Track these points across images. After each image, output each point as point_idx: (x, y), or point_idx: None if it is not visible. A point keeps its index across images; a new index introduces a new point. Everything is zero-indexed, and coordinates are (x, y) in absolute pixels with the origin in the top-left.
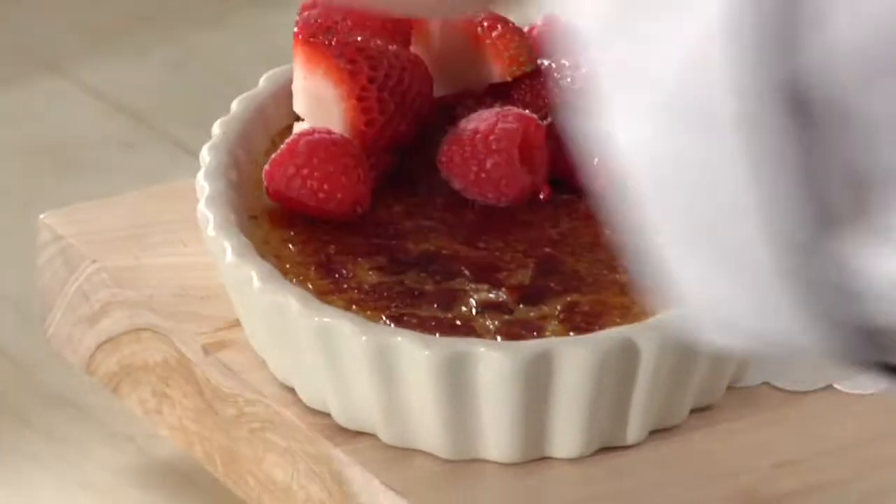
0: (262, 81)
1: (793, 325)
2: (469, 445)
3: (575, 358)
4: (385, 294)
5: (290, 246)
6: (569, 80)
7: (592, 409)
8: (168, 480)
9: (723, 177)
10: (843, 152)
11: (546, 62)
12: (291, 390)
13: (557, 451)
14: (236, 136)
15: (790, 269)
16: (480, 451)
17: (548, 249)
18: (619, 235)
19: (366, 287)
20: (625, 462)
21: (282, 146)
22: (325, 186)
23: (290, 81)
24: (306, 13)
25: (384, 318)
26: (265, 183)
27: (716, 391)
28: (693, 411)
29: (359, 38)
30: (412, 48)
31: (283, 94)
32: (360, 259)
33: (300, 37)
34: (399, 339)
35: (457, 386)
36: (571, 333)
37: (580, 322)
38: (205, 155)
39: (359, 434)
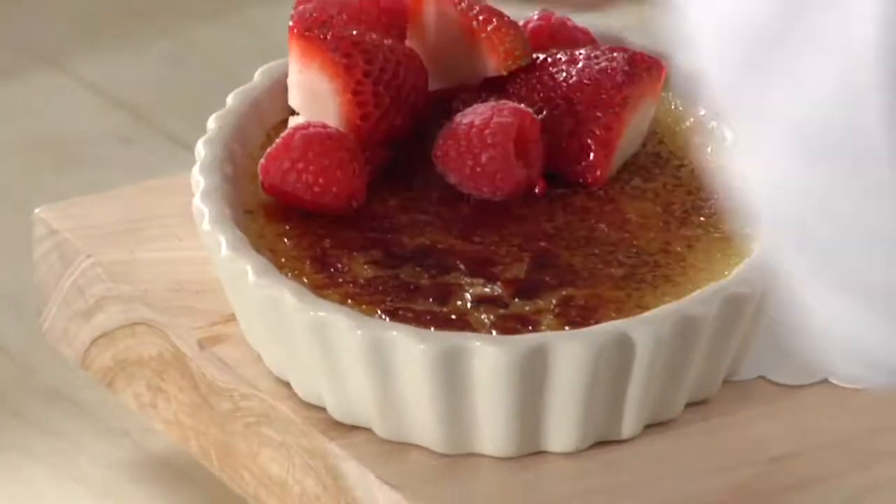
0: (257, 75)
1: None
2: (464, 439)
3: (570, 352)
4: (380, 288)
5: (286, 240)
6: (564, 74)
7: (587, 403)
8: (163, 475)
9: (877, 217)
10: None
11: (541, 56)
12: (287, 384)
13: (553, 446)
14: (231, 130)
15: None
16: (476, 446)
17: (543, 243)
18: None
19: (361, 281)
20: (620, 456)
21: (277, 140)
22: (321, 180)
23: (286, 75)
24: (301, 7)
25: (379, 312)
26: (260, 177)
27: (711, 385)
28: (688, 405)
29: (354, 33)
30: (407, 42)
31: (279, 88)
32: (355, 253)
33: (295, 31)
34: (394, 333)
35: (452, 380)
36: (566, 327)
37: (575, 316)
38: (200, 149)
39: (354, 428)
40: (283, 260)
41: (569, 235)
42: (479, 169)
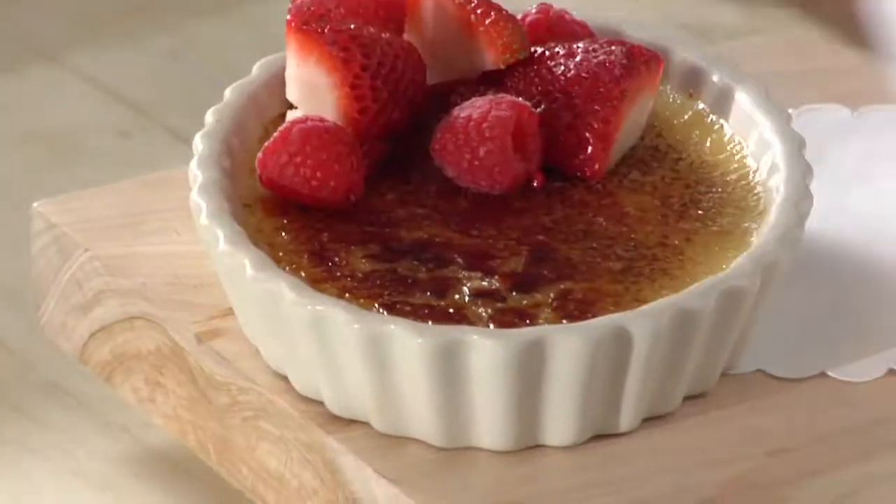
0: (255, 69)
1: None
2: (462, 433)
3: (568, 346)
4: (378, 282)
5: (283, 234)
6: (563, 68)
7: (585, 396)
8: (162, 469)
9: None
10: None
11: (539, 49)
12: (284, 378)
13: (550, 439)
14: (229, 123)
15: None
16: (473, 439)
17: (541, 237)
18: None
19: (359, 275)
20: (618, 450)
21: (275, 134)
22: (318, 174)
23: (284, 69)
24: (299, 1)
25: (377, 306)
26: (258, 171)
27: (709, 378)
28: (686, 399)
29: (352, 26)
30: (405, 36)
31: (276, 81)
32: (353, 247)
33: (293, 24)
34: (392, 327)
35: (450, 374)
36: (564, 321)
37: (573, 310)
38: (198, 143)
39: (352, 422)
40: (280, 254)
41: (567, 229)
42: (476, 162)
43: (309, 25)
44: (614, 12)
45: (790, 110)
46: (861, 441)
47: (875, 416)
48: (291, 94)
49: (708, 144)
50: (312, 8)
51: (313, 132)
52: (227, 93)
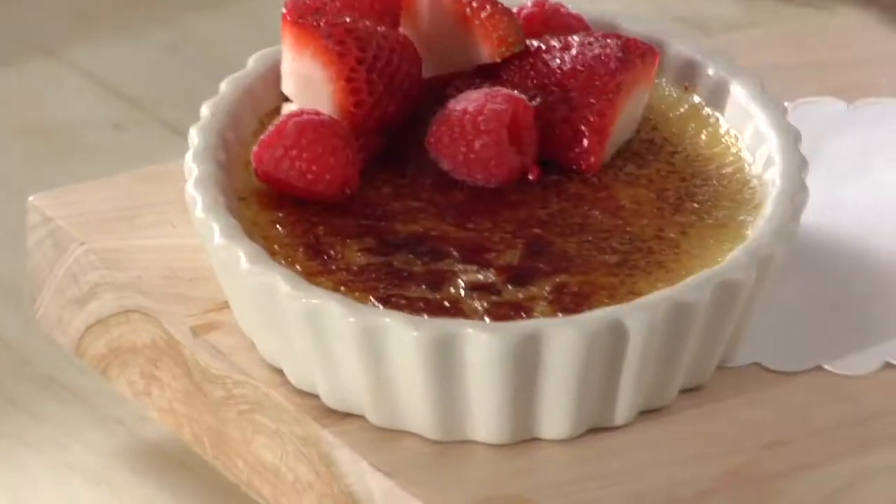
0: (250, 62)
1: None
2: (457, 426)
3: (563, 339)
4: (373, 275)
5: (279, 227)
6: (558, 61)
7: (581, 390)
8: (157, 462)
9: None
10: None
11: (535, 43)
12: (280, 372)
13: (546, 433)
14: (225, 117)
15: None
16: (469, 433)
17: (536, 230)
18: None
19: (354, 268)
20: (613, 443)
21: (270, 127)
22: (314, 168)
23: (279, 62)
24: None
25: (372, 299)
26: (254, 164)
27: (705, 372)
28: (682, 392)
29: (347, 20)
30: (401, 29)
31: (272, 75)
32: (348, 240)
33: (288, 18)
34: (387, 320)
35: (445, 367)
36: (560, 314)
37: (568, 303)
38: (193, 136)
39: (347, 416)
40: (276, 247)
41: (562, 222)
42: (472, 155)
43: (305, 19)
44: (609, 5)
45: (786, 103)
46: (857, 434)
47: (871, 410)
48: (287, 87)
49: (703, 137)
50: (308, 1)
51: (309, 125)
52: (223, 86)
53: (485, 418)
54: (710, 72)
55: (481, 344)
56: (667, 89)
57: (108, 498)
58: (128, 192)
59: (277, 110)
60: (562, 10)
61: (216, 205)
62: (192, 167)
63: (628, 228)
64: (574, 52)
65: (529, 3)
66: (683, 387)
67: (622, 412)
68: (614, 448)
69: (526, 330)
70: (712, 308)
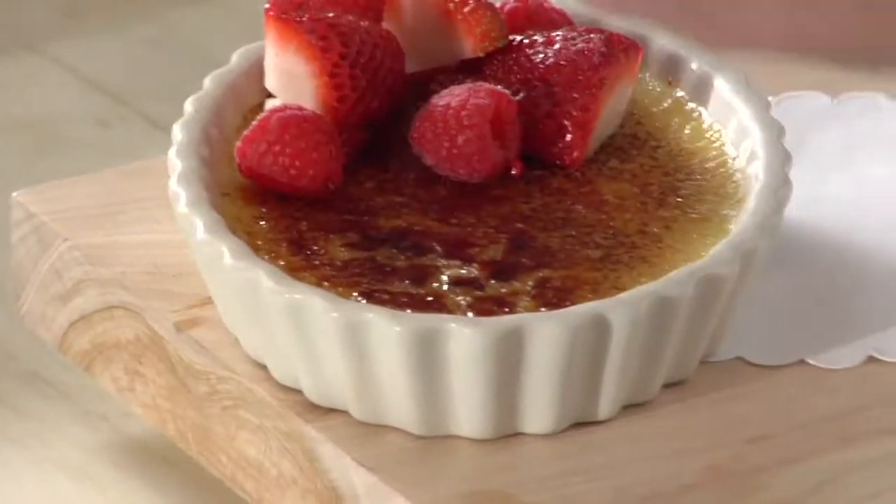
0: (234, 58)
1: None
2: (441, 421)
3: (546, 334)
4: (356, 270)
5: (262, 223)
6: (541, 56)
7: (564, 384)
8: (141, 458)
9: None
10: None
11: (518, 37)
12: (263, 367)
13: (529, 427)
14: (208, 112)
15: None
16: (452, 428)
17: (519, 225)
18: None
19: (337, 263)
20: (597, 437)
21: (253, 123)
22: (297, 163)
23: (263, 58)
24: None
25: (355, 294)
26: (237, 160)
27: (688, 366)
28: (665, 386)
29: (330, 15)
30: (384, 24)
31: (256, 70)
32: (331, 235)
33: (271, 13)
34: (370, 315)
35: (428, 362)
36: (543, 309)
37: (552, 298)
38: (177, 132)
39: (330, 411)
40: (259, 242)
41: (546, 217)
42: (455, 150)
43: (287, 14)
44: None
45: (770, 98)
46: (840, 428)
47: (854, 404)
48: (270, 82)
49: (687, 132)
50: None
51: (292, 121)
52: (207, 82)
53: (468, 413)
54: (694, 66)
55: (464, 339)
56: (650, 84)
57: (92, 494)
58: (112, 188)
59: (261, 106)
60: (545, 4)
61: (199, 200)
62: (175, 163)
63: (611, 223)
64: (557, 46)
65: None
66: (666, 381)
67: (605, 407)
68: (598, 442)
69: (509, 325)
70: (695, 302)
